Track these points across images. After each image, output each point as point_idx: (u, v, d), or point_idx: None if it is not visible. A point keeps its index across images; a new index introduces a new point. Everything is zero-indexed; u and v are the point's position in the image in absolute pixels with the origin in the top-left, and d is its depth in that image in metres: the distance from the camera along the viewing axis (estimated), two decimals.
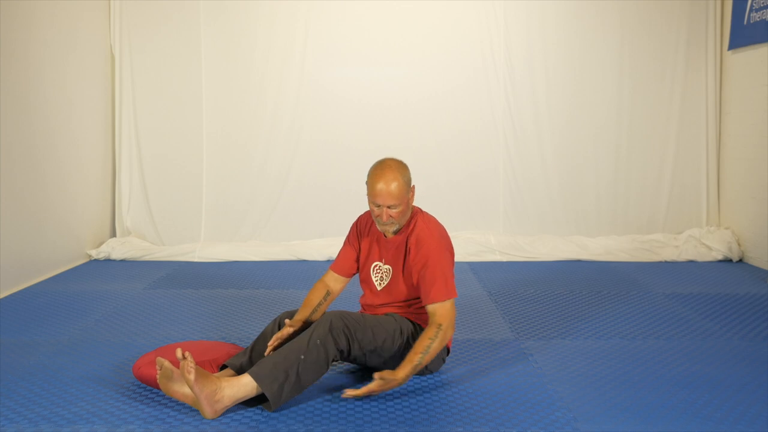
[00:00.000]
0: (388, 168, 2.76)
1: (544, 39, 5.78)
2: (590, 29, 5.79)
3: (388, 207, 2.74)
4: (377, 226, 2.85)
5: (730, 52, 5.67)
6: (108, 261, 5.48)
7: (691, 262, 5.44)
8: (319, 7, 5.75)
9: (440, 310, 2.72)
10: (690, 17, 5.77)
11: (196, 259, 5.52)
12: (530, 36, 5.78)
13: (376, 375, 2.54)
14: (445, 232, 2.92)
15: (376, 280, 2.92)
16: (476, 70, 5.80)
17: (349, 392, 2.55)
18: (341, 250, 3.05)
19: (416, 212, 2.90)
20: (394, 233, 2.86)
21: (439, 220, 2.96)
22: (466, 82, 5.81)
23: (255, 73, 5.80)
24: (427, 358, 2.64)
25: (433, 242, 2.79)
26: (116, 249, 5.53)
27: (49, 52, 4.90)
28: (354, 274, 3.06)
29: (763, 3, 5.10)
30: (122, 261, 5.48)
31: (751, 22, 5.27)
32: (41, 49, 4.80)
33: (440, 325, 2.69)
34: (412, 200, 2.84)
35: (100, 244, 5.70)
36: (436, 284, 2.73)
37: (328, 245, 5.59)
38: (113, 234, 5.93)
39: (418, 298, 2.85)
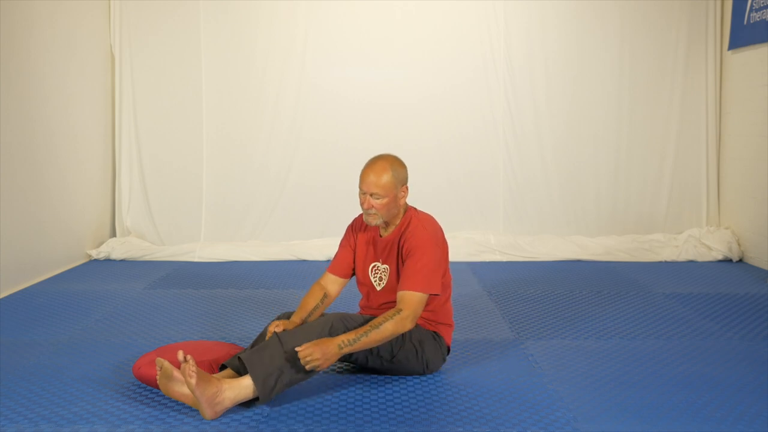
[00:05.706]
0: (381, 158, 2.78)
1: (544, 39, 5.78)
2: (590, 29, 5.78)
3: (371, 195, 2.73)
4: (363, 217, 2.83)
5: (730, 52, 5.67)
6: (108, 261, 5.48)
7: (691, 262, 5.43)
8: (319, 7, 5.75)
9: (407, 298, 2.65)
10: (690, 17, 5.77)
11: (196, 259, 5.52)
12: (530, 36, 5.77)
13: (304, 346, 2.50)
14: (440, 230, 2.88)
15: (375, 281, 2.91)
16: (476, 70, 5.80)
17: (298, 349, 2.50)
18: (338, 252, 3.04)
19: (411, 212, 2.89)
20: (378, 225, 2.85)
21: (439, 221, 2.94)
22: (466, 82, 5.80)
23: (255, 73, 5.80)
24: (374, 336, 2.57)
25: (425, 235, 2.77)
26: (116, 249, 5.53)
27: (49, 52, 4.90)
28: (352, 276, 3.03)
29: (763, 3, 5.10)
30: (122, 261, 5.48)
31: (751, 22, 5.27)
32: (41, 49, 4.80)
33: (401, 310, 2.62)
34: (403, 199, 2.82)
35: (100, 244, 5.70)
36: (417, 275, 2.68)
37: (328, 245, 5.59)
38: (113, 234, 5.93)
39: None
